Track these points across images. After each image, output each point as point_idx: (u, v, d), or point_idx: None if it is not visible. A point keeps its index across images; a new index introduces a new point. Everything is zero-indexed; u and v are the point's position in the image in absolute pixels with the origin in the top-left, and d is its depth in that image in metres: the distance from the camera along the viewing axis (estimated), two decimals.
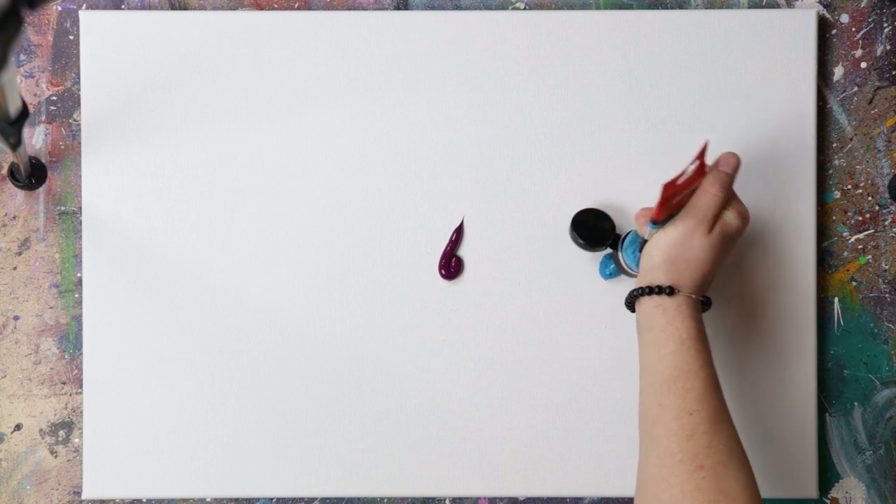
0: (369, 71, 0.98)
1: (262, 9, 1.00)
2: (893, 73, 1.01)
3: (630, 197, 0.98)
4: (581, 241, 0.95)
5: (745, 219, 0.87)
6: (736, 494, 0.78)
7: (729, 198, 0.86)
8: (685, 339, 0.83)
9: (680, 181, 0.82)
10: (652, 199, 0.98)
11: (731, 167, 0.86)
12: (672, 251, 0.85)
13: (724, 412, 0.82)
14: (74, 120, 1.00)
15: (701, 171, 0.84)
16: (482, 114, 0.98)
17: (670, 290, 0.84)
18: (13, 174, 0.98)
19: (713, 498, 0.77)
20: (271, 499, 1.00)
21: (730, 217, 0.86)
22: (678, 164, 0.98)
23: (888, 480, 1.01)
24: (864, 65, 1.01)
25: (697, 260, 0.85)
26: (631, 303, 0.88)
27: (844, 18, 1.01)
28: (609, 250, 0.96)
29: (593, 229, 0.95)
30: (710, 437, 0.80)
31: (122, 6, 1.00)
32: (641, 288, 0.86)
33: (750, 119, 0.98)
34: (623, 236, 0.95)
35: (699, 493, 0.78)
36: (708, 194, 0.85)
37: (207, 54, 0.98)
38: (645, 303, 0.86)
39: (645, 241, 0.88)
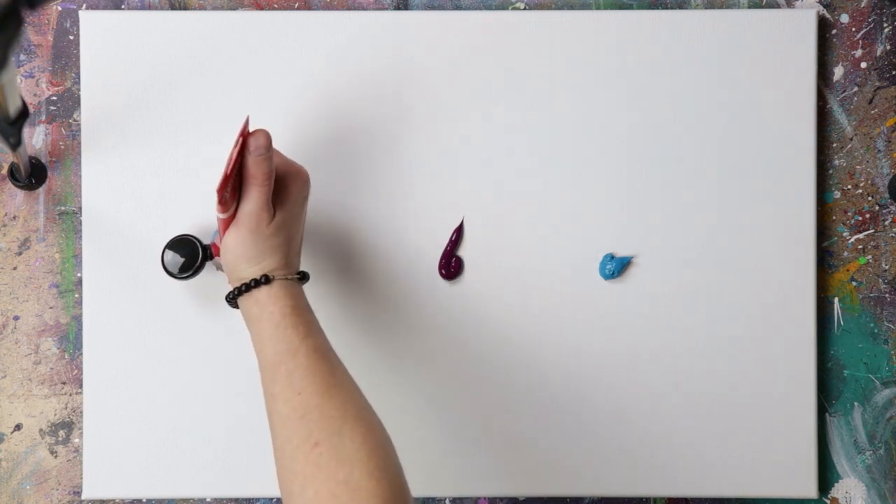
0: (369, 71, 0.98)
1: (262, 9, 1.00)
2: (893, 73, 1.01)
3: (629, 196, 0.98)
4: (180, 274, 0.92)
5: (305, 178, 0.88)
6: (353, 457, 0.75)
7: (278, 168, 0.86)
8: (280, 321, 0.82)
9: (229, 170, 0.82)
10: (651, 198, 0.98)
11: (264, 147, 0.84)
12: (248, 245, 0.84)
13: (336, 377, 0.80)
14: (74, 120, 1.00)
15: (243, 149, 0.84)
16: (482, 114, 0.98)
17: (266, 279, 0.83)
18: (13, 174, 0.98)
19: (333, 470, 0.74)
20: (271, 499, 1.00)
21: (290, 186, 0.86)
22: (678, 163, 0.98)
23: (888, 480, 1.01)
24: (864, 65, 1.01)
25: (276, 245, 0.85)
26: (233, 302, 0.86)
27: (844, 18, 1.01)
28: (608, 250, 0.96)
29: (187, 257, 0.92)
30: (321, 410, 0.77)
31: (122, 6, 1.00)
32: (238, 288, 0.84)
33: (750, 119, 0.98)
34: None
35: (320, 472, 0.74)
36: (255, 189, 0.84)
37: (207, 54, 0.98)
38: (245, 299, 0.84)
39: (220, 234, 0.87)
